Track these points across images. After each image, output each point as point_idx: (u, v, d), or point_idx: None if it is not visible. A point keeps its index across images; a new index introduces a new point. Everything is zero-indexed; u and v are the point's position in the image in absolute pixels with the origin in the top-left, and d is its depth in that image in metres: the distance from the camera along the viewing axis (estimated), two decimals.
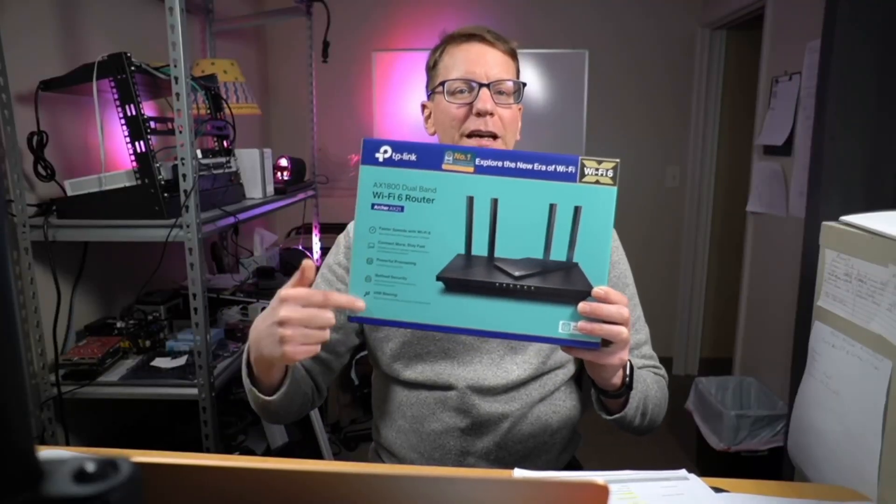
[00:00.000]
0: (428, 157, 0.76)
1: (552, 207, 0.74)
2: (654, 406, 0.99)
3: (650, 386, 0.99)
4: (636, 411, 0.94)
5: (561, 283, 0.74)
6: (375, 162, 0.76)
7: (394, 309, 0.76)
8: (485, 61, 1.00)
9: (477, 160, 0.75)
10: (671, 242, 3.48)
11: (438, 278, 0.76)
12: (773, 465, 2.20)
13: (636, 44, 3.29)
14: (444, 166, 0.76)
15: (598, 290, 0.74)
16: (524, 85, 1.04)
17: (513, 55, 1.05)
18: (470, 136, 1.01)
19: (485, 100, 0.99)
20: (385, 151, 0.76)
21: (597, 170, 0.74)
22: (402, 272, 0.76)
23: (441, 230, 0.76)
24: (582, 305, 0.74)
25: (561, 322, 0.75)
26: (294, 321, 0.75)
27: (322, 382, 1.05)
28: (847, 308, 0.91)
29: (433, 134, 1.09)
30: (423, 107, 1.11)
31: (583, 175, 0.74)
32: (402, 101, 3.08)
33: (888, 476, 0.81)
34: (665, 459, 2.59)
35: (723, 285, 3.48)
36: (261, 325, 0.79)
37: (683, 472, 0.85)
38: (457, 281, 0.75)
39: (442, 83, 1.02)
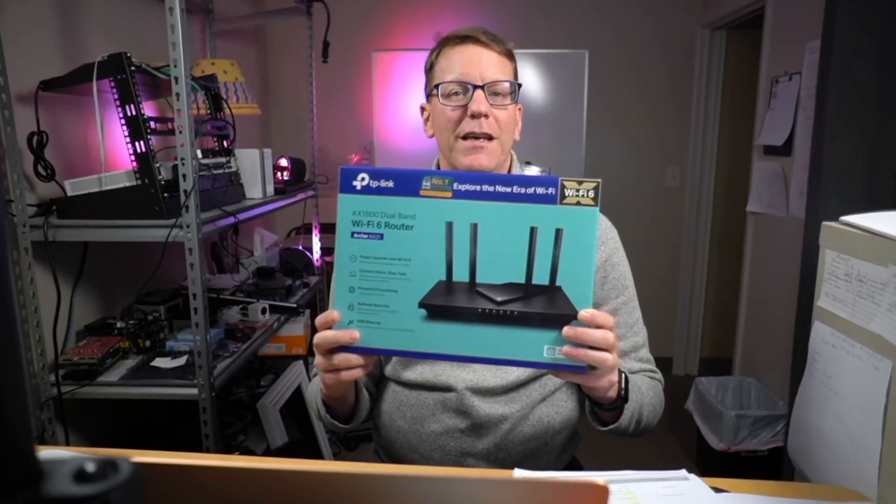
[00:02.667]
0: (405, 183, 0.75)
1: (533, 231, 0.73)
2: (649, 413, 0.99)
3: (645, 394, 0.98)
4: (630, 420, 0.94)
5: (544, 307, 0.73)
6: (353, 190, 0.76)
7: (378, 337, 0.76)
8: (479, 63, 1.00)
9: (455, 185, 0.74)
10: (671, 242, 3.48)
11: (420, 305, 0.75)
12: (773, 465, 2.20)
13: (636, 44, 3.29)
14: (421, 192, 0.74)
15: (583, 313, 0.73)
16: (520, 86, 1.04)
17: (509, 56, 1.05)
18: (465, 137, 1.00)
19: (479, 101, 0.98)
20: (362, 179, 0.76)
21: (577, 191, 0.73)
22: (384, 300, 0.76)
23: (422, 257, 0.75)
24: (566, 331, 0.73)
25: (545, 347, 0.74)
26: (333, 363, 0.81)
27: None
28: (847, 308, 0.91)
29: (432, 136, 1.09)
30: (423, 109, 1.11)
31: (563, 196, 0.73)
32: (402, 102, 3.08)
33: (888, 476, 0.81)
34: (665, 459, 2.60)
35: (723, 285, 3.48)
36: (321, 372, 0.85)
37: (683, 472, 0.85)
38: (439, 308, 0.75)
39: (437, 86, 1.02)
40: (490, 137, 1.00)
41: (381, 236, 0.75)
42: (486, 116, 0.99)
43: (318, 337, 0.79)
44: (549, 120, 3.07)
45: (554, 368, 0.77)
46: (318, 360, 0.81)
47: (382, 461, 1.15)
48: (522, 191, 0.73)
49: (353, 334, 0.77)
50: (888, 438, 0.81)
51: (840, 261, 0.94)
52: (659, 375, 1.08)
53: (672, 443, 2.77)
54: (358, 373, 0.80)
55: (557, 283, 0.74)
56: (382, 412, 1.09)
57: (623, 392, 0.90)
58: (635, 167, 3.42)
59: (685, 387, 2.65)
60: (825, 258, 0.98)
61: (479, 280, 0.75)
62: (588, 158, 3.14)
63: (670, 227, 3.47)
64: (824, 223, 0.99)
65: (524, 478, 0.77)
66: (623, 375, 0.90)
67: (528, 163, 2.74)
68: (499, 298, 0.74)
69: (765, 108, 2.60)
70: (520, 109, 1.07)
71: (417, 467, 1.04)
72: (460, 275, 0.75)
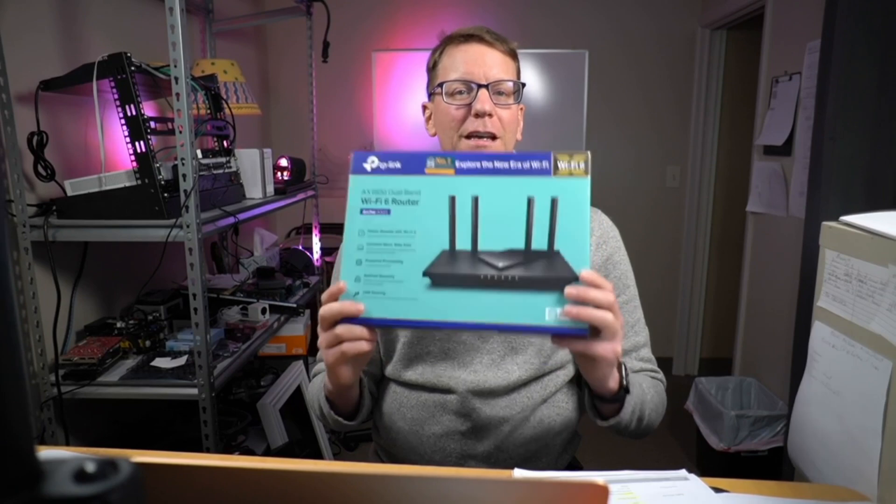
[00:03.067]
0: (411, 163, 0.80)
1: (530, 201, 0.77)
2: (651, 411, 0.98)
3: (646, 391, 0.98)
4: (632, 416, 0.93)
5: (544, 270, 0.76)
6: (364, 172, 0.81)
7: (383, 306, 0.77)
8: (483, 62, 1.00)
9: (457, 163, 0.80)
10: (671, 242, 3.48)
11: (425, 274, 0.77)
12: (773, 465, 2.20)
13: (636, 44, 3.29)
14: (426, 170, 0.80)
15: (585, 273, 0.74)
16: (524, 85, 1.04)
17: (513, 55, 1.05)
18: (469, 137, 1.00)
19: (483, 101, 0.98)
20: (372, 162, 0.81)
21: (569, 162, 0.77)
22: (389, 270, 0.78)
23: (426, 229, 0.78)
24: (568, 289, 0.74)
25: (547, 309, 0.75)
26: (337, 334, 0.79)
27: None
28: (847, 308, 0.91)
29: (434, 135, 1.08)
30: (424, 108, 1.11)
31: (556, 169, 0.77)
32: (402, 101, 3.08)
33: (888, 476, 0.81)
34: (665, 459, 2.60)
35: (723, 285, 3.48)
36: (324, 351, 0.83)
37: (683, 472, 0.85)
38: (442, 275, 0.77)
39: (441, 84, 1.02)
40: (493, 137, 1.00)
41: (389, 211, 0.79)
42: (490, 116, 0.99)
43: (323, 309, 0.78)
44: (549, 120, 3.07)
45: (556, 332, 0.76)
46: (322, 337, 0.80)
47: (382, 461, 1.15)
48: (519, 165, 0.78)
49: (358, 306, 0.77)
50: (888, 438, 0.81)
51: (840, 261, 0.94)
52: (661, 376, 1.07)
53: (672, 443, 2.77)
54: (362, 346, 0.78)
55: (555, 249, 0.77)
56: (383, 413, 1.08)
57: (624, 383, 0.89)
58: (635, 167, 3.41)
59: (685, 387, 2.65)
60: (825, 258, 0.98)
61: (481, 249, 0.78)
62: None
63: (670, 227, 3.47)
64: (824, 223, 0.99)
65: (524, 478, 0.77)
66: (624, 368, 0.90)
67: None
68: (500, 264, 0.77)
69: (765, 108, 2.60)
70: (522, 109, 1.07)
71: (417, 467, 1.03)
72: (463, 245, 0.78)
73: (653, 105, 3.36)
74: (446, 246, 0.78)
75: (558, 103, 3.07)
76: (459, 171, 0.79)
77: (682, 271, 3.49)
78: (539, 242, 0.77)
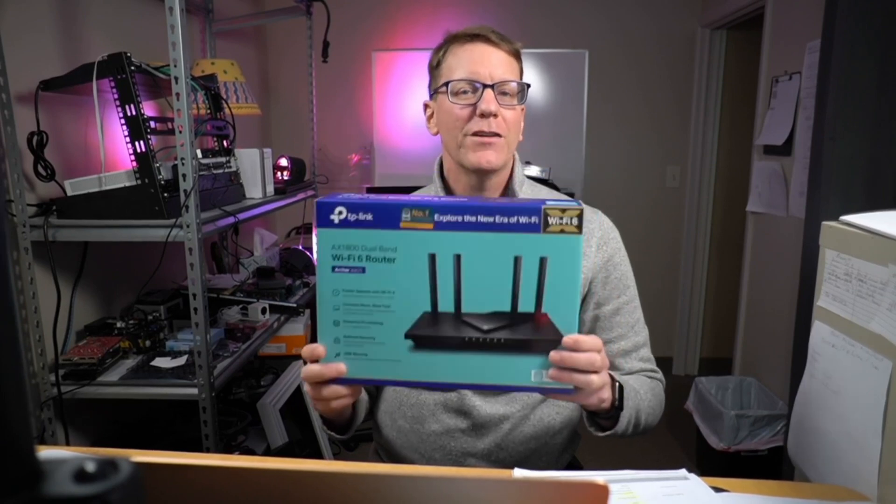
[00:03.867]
0: (384, 215, 0.73)
1: (517, 260, 0.72)
2: (648, 415, 0.98)
3: (643, 397, 0.97)
4: (628, 425, 0.93)
5: (530, 333, 0.74)
6: (331, 224, 0.74)
7: (365, 368, 0.76)
8: (489, 62, 1.00)
9: (436, 216, 0.73)
10: (671, 242, 3.48)
11: (407, 336, 0.75)
12: (773, 465, 2.20)
13: (636, 44, 3.29)
14: (402, 224, 0.73)
15: (567, 339, 0.73)
16: (528, 86, 1.04)
17: (517, 56, 1.04)
18: (474, 135, 1.00)
19: (488, 101, 0.98)
20: (340, 213, 0.73)
21: (561, 218, 0.71)
22: (370, 332, 0.75)
23: (405, 289, 0.74)
24: (553, 355, 0.73)
25: (533, 371, 0.74)
26: (322, 395, 0.81)
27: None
28: (847, 308, 0.91)
29: (436, 133, 1.08)
30: (426, 106, 1.10)
31: (546, 225, 0.71)
32: (402, 101, 3.08)
33: (888, 476, 0.81)
34: (665, 459, 2.60)
35: (723, 285, 3.48)
36: (312, 400, 0.86)
37: (683, 472, 0.85)
38: (425, 338, 0.75)
39: (446, 84, 1.01)
40: (498, 136, 1.00)
41: (363, 270, 0.74)
42: (496, 116, 0.98)
43: (304, 371, 0.79)
44: (549, 120, 3.07)
45: (542, 392, 0.78)
46: (307, 388, 0.83)
47: (382, 461, 1.15)
48: (505, 220, 0.72)
49: (338, 368, 0.76)
50: (888, 438, 0.81)
51: (840, 260, 0.94)
52: (659, 375, 1.08)
53: (672, 443, 2.77)
54: (347, 401, 0.82)
55: (543, 310, 0.74)
56: (383, 412, 1.09)
57: (617, 402, 0.89)
58: (635, 167, 3.41)
59: (685, 387, 2.65)
60: (825, 258, 0.98)
61: (464, 310, 0.74)
62: (588, 158, 3.13)
63: (670, 227, 3.47)
64: (824, 223, 0.99)
65: (524, 478, 0.77)
66: (617, 384, 0.90)
67: (528, 163, 2.74)
68: (485, 327, 0.74)
69: (765, 108, 2.60)
70: (523, 110, 1.06)
71: (417, 467, 1.04)
72: (445, 305, 0.74)
73: (653, 105, 3.35)
74: (427, 307, 0.74)
75: (558, 103, 3.08)
76: (438, 226, 0.72)
77: (682, 271, 3.49)
78: (526, 304, 0.73)
